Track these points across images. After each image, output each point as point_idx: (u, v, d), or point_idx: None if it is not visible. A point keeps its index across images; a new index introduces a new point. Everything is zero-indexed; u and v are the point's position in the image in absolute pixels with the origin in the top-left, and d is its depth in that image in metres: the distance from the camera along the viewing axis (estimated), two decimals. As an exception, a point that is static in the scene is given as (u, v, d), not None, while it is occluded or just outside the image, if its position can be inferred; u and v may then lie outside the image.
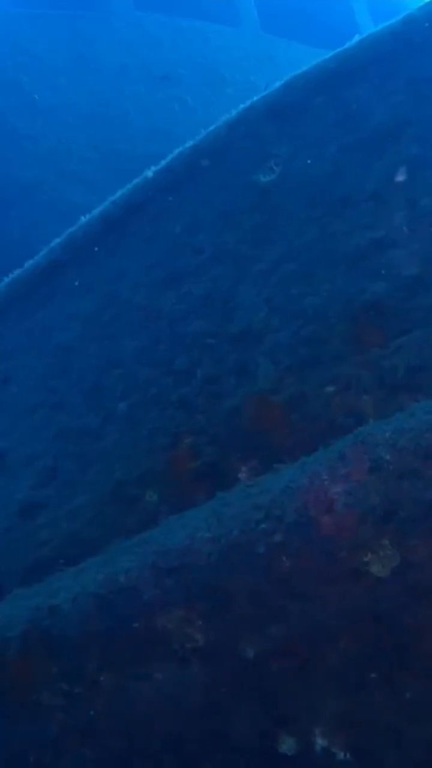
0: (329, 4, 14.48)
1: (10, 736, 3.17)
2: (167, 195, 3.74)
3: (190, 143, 3.88)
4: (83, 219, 4.03)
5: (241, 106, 3.86)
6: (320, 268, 3.22)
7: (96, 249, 3.83)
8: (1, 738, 3.18)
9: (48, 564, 3.28)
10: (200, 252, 3.53)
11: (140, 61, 11.10)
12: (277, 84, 3.81)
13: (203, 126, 10.13)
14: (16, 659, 3.05)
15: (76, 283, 3.84)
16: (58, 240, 4.07)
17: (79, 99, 10.43)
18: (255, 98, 3.82)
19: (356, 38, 3.69)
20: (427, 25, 3.33)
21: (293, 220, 3.44)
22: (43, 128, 9.99)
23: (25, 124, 9.95)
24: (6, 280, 4.19)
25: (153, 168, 3.96)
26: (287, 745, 2.94)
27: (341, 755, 2.83)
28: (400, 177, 3.22)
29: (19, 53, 10.34)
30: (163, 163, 3.92)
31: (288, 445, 3.00)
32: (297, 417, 2.99)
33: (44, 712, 3.11)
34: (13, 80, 10.16)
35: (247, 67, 11.99)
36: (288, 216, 3.46)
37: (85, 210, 9.00)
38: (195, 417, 3.16)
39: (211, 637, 2.86)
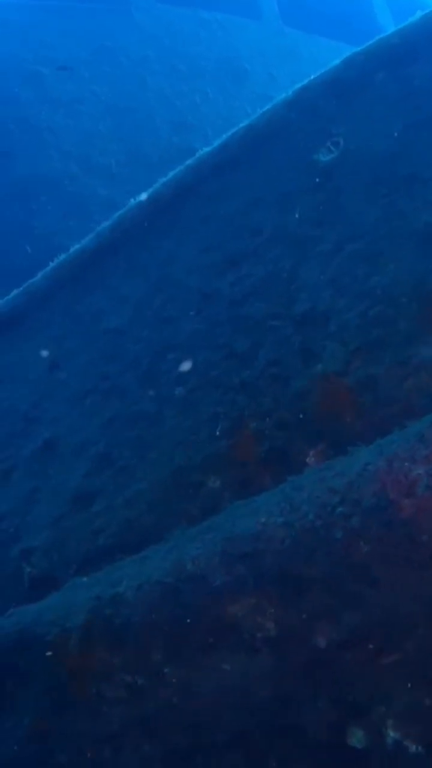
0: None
1: (67, 730, 3.10)
2: (222, 175, 3.67)
3: (245, 122, 3.81)
4: (132, 201, 3.96)
5: (298, 84, 3.79)
6: (387, 247, 3.15)
7: (147, 231, 3.76)
8: (58, 732, 3.11)
9: (105, 553, 3.21)
10: (259, 233, 3.46)
11: (162, 54, 11.05)
12: (335, 62, 3.74)
13: (225, 119, 10.07)
14: (77, 650, 2.98)
15: (126, 267, 3.77)
16: (105, 223, 4.01)
17: (101, 91, 10.38)
18: (312, 76, 3.75)
19: (418, 14, 3.62)
20: None
21: (356, 200, 3.37)
22: (65, 121, 9.93)
23: (47, 116, 9.90)
24: (51, 264, 4.13)
25: (206, 148, 3.90)
26: (357, 738, 2.87)
27: (413, 749, 2.75)
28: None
29: (39, 45, 10.28)
30: (217, 143, 3.85)
31: (359, 428, 2.93)
32: (368, 399, 2.92)
33: (105, 706, 3.04)
34: (33, 72, 10.10)
35: (269, 61, 11.95)
36: (350, 195, 3.39)
37: (109, 203, 8.97)
38: (259, 401, 3.09)
39: (283, 626, 2.79)
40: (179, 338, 3.44)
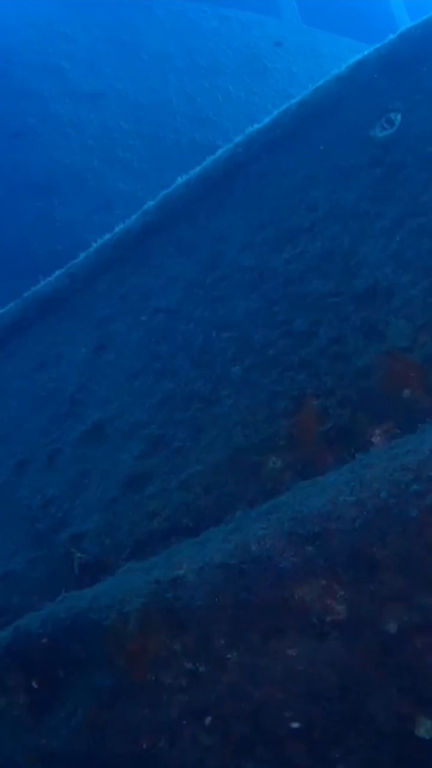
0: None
1: (123, 718, 3.00)
2: (274, 152, 3.59)
3: (297, 98, 3.72)
4: (180, 180, 3.88)
5: (352, 59, 3.71)
6: (453, 221, 3.06)
7: (196, 209, 3.68)
8: (113, 721, 3.01)
9: (160, 536, 3.11)
10: (315, 209, 3.38)
11: (184, 50, 11.01)
12: (391, 37, 3.65)
13: (246, 115, 10.03)
14: (135, 635, 2.88)
15: (174, 246, 3.68)
16: (151, 202, 3.93)
17: (123, 86, 10.33)
18: (367, 51, 3.67)
19: None
20: None
21: (416, 175, 3.28)
22: (87, 115, 9.89)
23: (68, 111, 9.86)
24: (94, 245, 4.04)
25: (255, 126, 3.81)
26: (426, 728, 2.76)
27: None
28: None
29: (60, 39, 10.25)
30: (267, 119, 3.76)
31: (427, 405, 2.83)
32: (436, 376, 2.82)
33: (164, 693, 2.94)
34: (55, 66, 10.07)
35: (290, 58, 11.90)
36: (410, 171, 3.30)
37: (130, 198, 8.90)
38: (321, 379, 3.00)
39: (353, 610, 2.68)
40: (234, 317, 3.35)
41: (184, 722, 2.99)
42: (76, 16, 10.52)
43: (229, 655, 2.87)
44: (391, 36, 3.72)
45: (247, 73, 11.36)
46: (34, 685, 3.22)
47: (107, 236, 4.03)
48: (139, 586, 2.94)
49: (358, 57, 3.72)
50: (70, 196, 9.39)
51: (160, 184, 9.35)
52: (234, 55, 11.37)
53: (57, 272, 4.17)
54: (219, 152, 3.85)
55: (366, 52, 3.72)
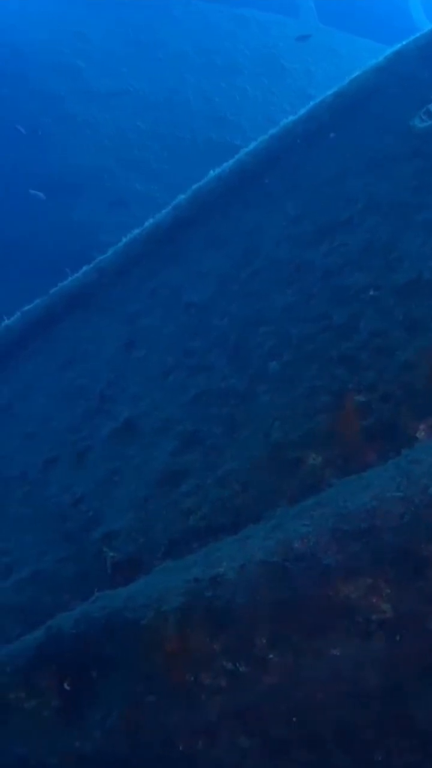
0: (385, -2, 14.42)
1: (160, 720, 2.95)
2: (309, 144, 3.56)
3: (332, 90, 3.69)
4: (211, 173, 3.85)
5: (389, 50, 3.68)
6: None
7: (228, 203, 3.65)
8: (150, 722, 2.96)
9: (196, 534, 3.07)
10: (353, 202, 3.34)
11: (201, 50, 11.02)
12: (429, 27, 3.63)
13: (264, 115, 10.03)
14: (174, 635, 2.83)
15: (206, 240, 3.65)
16: (182, 196, 3.90)
17: (139, 86, 10.34)
18: (405, 41, 3.64)
19: None
20: None
21: (459, 166, 3.24)
22: (103, 115, 9.89)
23: (84, 111, 9.87)
24: (123, 240, 4.01)
25: (291, 117, 3.78)
26: (471, 729, 2.70)
27: None
28: None
29: (76, 38, 10.27)
30: (302, 112, 3.74)
31: (474, 400, 2.78)
32: None
33: (202, 694, 2.89)
34: (70, 66, 10.08)
35: (307, 58, 11.90)
36: (452, 162, 3.27)
37: (147, 198, 8.89)
38: (362, 374, 2.95)
39: (399, 609, 2.63)
40: (270, 311, 3.31)
41: (223, 724, 2.94)
42: (92, 15, 10.54)
43: (270, 655, 2.82)
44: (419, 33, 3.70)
45: (264, 72, 11.37)
46: (66, 686, 3.17)
47: (136, 231, 4.00)
48: (178, 585, 2.89)
49: (396, 47, 3.69)
50: (85, 196, 9.38)
51: (176, 184, 9.36)
52: (251, 55, 11.38)
53: (84, 267, 4.15)
54: (252, 145, 3.83)
55: (404, 43, 3.69)
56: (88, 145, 9.63)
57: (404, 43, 3.69)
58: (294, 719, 2.87)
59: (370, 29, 13.37)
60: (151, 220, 3.98)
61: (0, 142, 9.42)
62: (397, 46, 3.69)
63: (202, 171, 8.93)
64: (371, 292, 3.16)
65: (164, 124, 10.18)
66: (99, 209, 9.38)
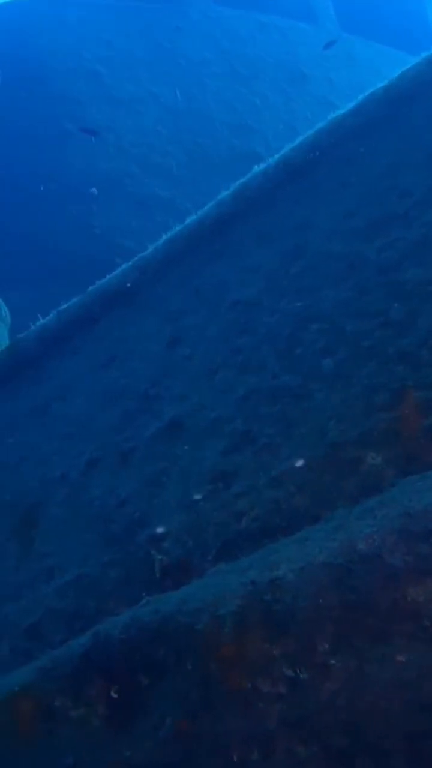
0: (404, 5, 14.43)
1: (215, 729, 2.86)
2: (360, 137, 3.50)
3: (381, 84, 3.63)
4: (257, 168, 3.79)
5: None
6: None
7: (275, 198, 3.58)
8: (204, 731, 2.87)
9: (249, 536, 2.98)
10: (408, 195, 3.27)
11: (221, 56, 11.01)
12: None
13: (285, 123, 10.00)
14: (231, 639, 2.75)
15: (253, 236, 3.58)
16: (226, 192, 3.84)
17: (161, 92, 10.33)
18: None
19: None
20: None
21: None
22: (125, 120, 9.88)
23: (105, 116, 9.86)
24: (164, 237, 3.95)
25: (339, 112, 3.73)
26: None
27: None
28: None
29: (97, 44, 10.27)
30: (351, 105, 3.68)
31: None
32: None
33: (260, 702, 2.80)
34: (92, 71, 10.08)
35: (327, 65, 11.90)
36: None
37: (169, 204, 8.87)
38: (422, 370, 2.88)
39: (472, 613, 2.54)
40: (323, 308, 3.24)
41: (281, 733, 2.85)
42: (113, 21, 10.54)
43: (332, 661, 2.74)
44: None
45: (285, 79, 11.36)
46: (113, 694, 3.09)
47: (177, 228, 3.94)
48: (234, 588, 2.81)
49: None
50: (107, 201, 9.36)
51: (199, 190, 9.34)
52: (272, 62, 11.38)
53: (124, 265, 4.09)
54: (299, 139, 3.77)
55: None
56: (110, 150, 9.61)
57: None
58: (356, 728, 2.78)
59: (390, 37, 13.39)
60: (193, 217, 3.92)
61: (22, 146, 9.41)
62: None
63: (224, 177, 8.90)
64: (429, 287, 3.09)
65: (186, 130, 10.17)
66: (121, 215, 9.36)
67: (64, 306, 4.26)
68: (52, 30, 9.91)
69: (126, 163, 9.68)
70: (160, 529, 3.26)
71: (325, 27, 12.39)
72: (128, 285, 3.89)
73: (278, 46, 11.62)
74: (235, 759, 2.90)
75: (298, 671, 2.76)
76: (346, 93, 12.14)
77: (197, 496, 3.22)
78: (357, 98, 3.72)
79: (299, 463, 3.07)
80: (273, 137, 10.60)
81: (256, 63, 11.24)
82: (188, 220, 3.95)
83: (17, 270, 7.96)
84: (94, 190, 8.44)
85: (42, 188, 8.88)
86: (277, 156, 3.78)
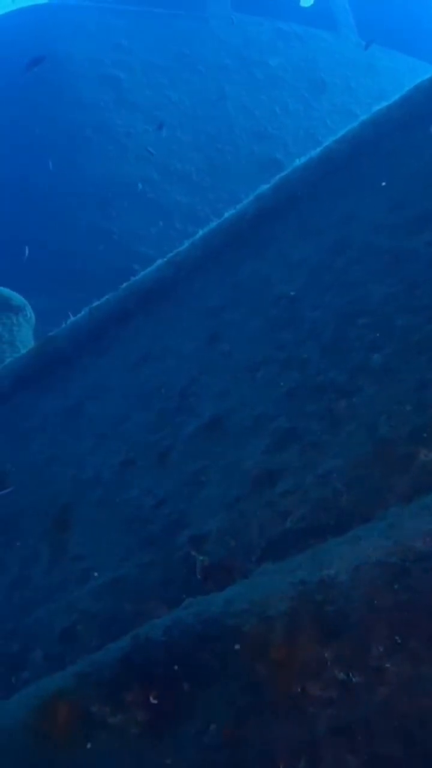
0: (423, 15, 14.45)
1: (262, 735, 2.77)
2: (407, 130, 3.44)
3: (430, 75, 3.58)
4: (298, 162, 3.73)
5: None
6: None
7: (318, 192, 3.52)
8: (251, 738, 2.78)
9: (296, 536, 2.90)
10: (458, 187, 3.21)
11: (241, 63, 11.01)
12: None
13: (305, 130, 9.96)
14: (281, 642, 2.66)
15: (294, 230, 3.52)
16: (266, 186, 3.78)
17: (180, 98, 10.32)
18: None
19: None
20: None
21: None
22: (144, 126, 9.87)
23: (125, 121, 9.85)
24: (200, 232, 3.89)
25: (384, 103, 3.67)
26: None
27: None
28: None
29: (116, 49, 10.27)
30: (397, 97, 3.62)
31: None
32: None
33: (311, 707, 2.71)
34: (111, 76, 10.07)
35: (347, 73, 11.89)
36: None
37: (189, 211, 8.82)
38: None
39: None
40: (370, 302, 3.17)
41: (330, 740, 2.76)
42: (133, 27, 10.55)
43: (387, 664, 2.65)
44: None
45: (305, 87, 11.35)
46: (152, 700, 3.00)
47: (215, 223, 3.88)
48: (283, 588, 2.73)
49: None
50: (126, 207, 9.33)
51: (219, 197, 9.30)
52: (292, 69, 11.37)
53: (158, 262, 4.03)
54: (342, 132, 3.71)
55: None
56: (129, 156, 9.59)
57: None
58: (409, 735, 2.70)
59: (409, 45, 13.40)
60: (231, 212, 3.86)
61: (41, 152, 9.39)
62: None
63: (246, 183, 8.89)
64: None
65: (205, 136, 10.15)
66: (141, 220, 9.32)
67: (97, 303, 4.20)
68: (72, 36, 9.92)
69: (145, 169, 9.65)
70: (200, 530, 3.19)
71: (345, 35, 12.39)
72: (164, 281, 3.82)
73: (298, 54, 11.62)
74: (281, 767, 2.81)
75: (350, 675, 2.68)
76: (365, 101, 12.20)
77: (239, 496, 3.15)
78: (405, 90, 3.67)
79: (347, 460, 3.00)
80: (293, 144, 10.58)
81: (275, 70, 11.24)
82: (226, 215, 3.89)
83: (36, 276, 7.91)
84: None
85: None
86: (319, 149, 3.72)
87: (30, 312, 6.04)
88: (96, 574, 3.35)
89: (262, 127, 10.67)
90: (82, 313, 4.22)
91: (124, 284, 4.13)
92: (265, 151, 10.45)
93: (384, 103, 3.75)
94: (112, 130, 9.72)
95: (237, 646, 2.78)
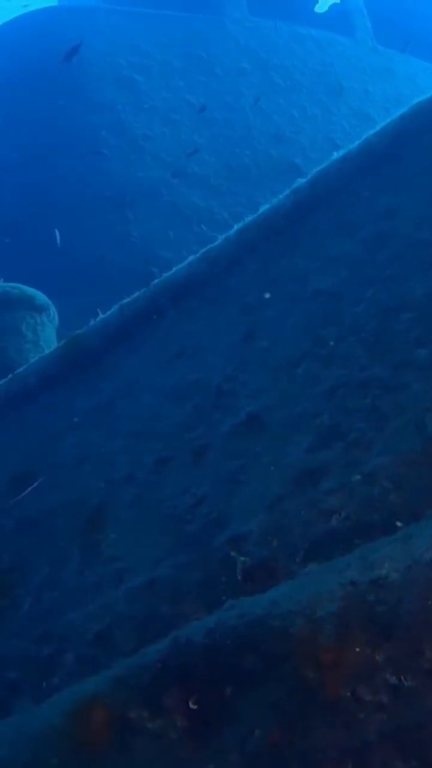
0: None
1: (308, 741, 2.69)
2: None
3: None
4: (335, 155, 3.68)
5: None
6: None
7: (357, 186, 3.47)
8: (297, 744, 2.70)
9: (341, 536, 2.84)
10: None
11: (258, 66, 11.00)
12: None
13: (323, 133, 9.92)
14: (331, 644, 2.59)
15: (332, 224, 3.46)
16: (302, 180, 3.73)
17: (197, 101, 10.31)
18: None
19: None
20: None
21: None
22: (161, 129, 9.85)
23: (142, 124, 9.83)
24: (235, 227, 3.84)
25: (424, 96, 3.62)
26: None
27: None
28: None
29: (133, 52, 10.27)
30: (438, 88, 3.57)
31: None
32: None
33: (361, 712, 2.63)
34: (128, 79, 10.07)
35: (365, 78, 11.89)
36: None
37: (207, 214, 8.77)
38: None
39: None
40: (414, 296, 3.11)
41: (380, 746, 2.69)
42: (149, 30, 10.55)
43: (443, 668, 2.58)
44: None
45: (322, 91, 11.33)
46: (192, 705, 2.93)
47: (249, 218, 3.83)
48: (332, 589, 2.66)
49: None
50: (144, 210, 9.30)
51: (237, 200, 9.25)
52: (309, 73, 11.36)
53: (190, 258, 3.97)
54: (380, 126, 3.66)
55: None
56: (146, 159, 9.57)
57: None
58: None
59: (425, 50, 13.39)
60: (266, 206, 3.81)
61: (59, 156, 9.38)
62: None
63: (263, 187, 8.83)
64: None
65: (223, 139, 10.13)
66: (159, 224, 9.29)
67: (127, 300, 4.15)
68: (89, 38, 9.90)
69: (163, 172, 9.63)
70: (240, 530, 3.12)
71: (361, 40, 12.39)
72: (197, 277, 3.77)
73: (315, 58, 11.61)
74: (326, 774, 2.73)
75: (402, 678, 2.61)
76: (383, 105, 12.20)
77: (281, 495, 3.08)
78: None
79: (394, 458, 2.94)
80: (311, 147, 10.56)
81: (293, 74, 11.23)
82: (261, 209, 3.84)
83: (54, 280, 7.87)
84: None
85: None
86: (357, 142, 3.67)
87: (53, 312, 5.99)
88: (130, 575, 3.28)
89: (279, 130, 10.64)
90: (112, 310, 4.17)
91: (155, 280, 4.08)
92: (283, 155, 10.42)
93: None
94: (129, 132, 9.70)
95: (284, 649, 2.71)
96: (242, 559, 3.07)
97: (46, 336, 5.75)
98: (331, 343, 3.26)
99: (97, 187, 9.31)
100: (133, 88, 10.06)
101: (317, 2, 14.24)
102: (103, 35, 10.19)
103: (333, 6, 13.87)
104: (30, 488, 3.76)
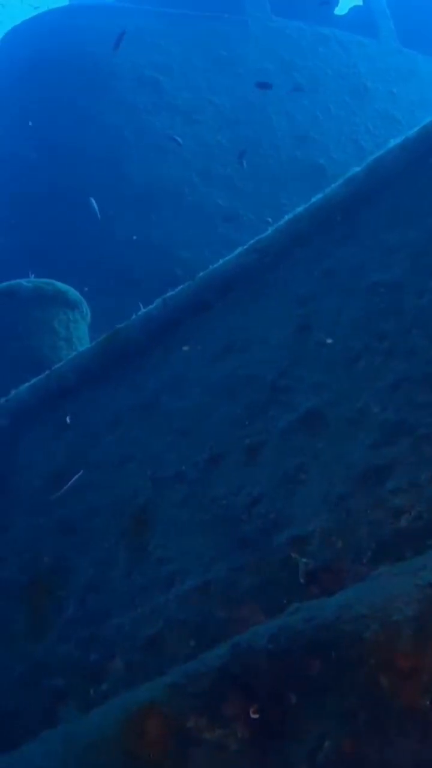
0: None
1: (383, 753, 2.57)
2: None
3: None
4: (392, 142, 3.57)
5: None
6: None
7: (415, 175, 3.36)
8: (371, 755, 2.58)
9: (411, 536, 2.72)
10: None
11: (281, 67, 10.93)
12: None
13: (347, 135, 9.81)
14: (409, 649, 2.47)
15: (389, 214, 3.36)
16: (357, 169, 3.62)
17: (220, 101, 10.24)
18: None
19: None
20: None
21: None
22: (184, 129, 9.78)
23: (165, 124, 9.76)
24: (286, 218, 3.73)
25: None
26: None
27: None
28: None
29: (155, 51, 10.21)
30: None
31: None
32: None
33: (438, 724, 2.50)
34: (150, 79, 10.00)
35: (389, 79, 11.81)
36: None
37: (231, 215, 8.63)
38: None
39: None
40: None
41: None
42: (172, 30, 10.49)
43: None
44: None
45: (347, 92, 11.25)
46: (253, 714, 2.81)
47: (300, 208, 3.72)
48: (408, 591, 2.54)
49: None
50: (167, 211, 9.22)
51: (261, 201, 9.15)
52: (333, 74, 11.28)
53: (238, 249, 3.87)
54: (440, 111, 3.55)
55: None
56: (169, 159, 9.51)
57: None
58: None
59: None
60: (319, 196, 3.70)
61: (82, 156, 9.31)
62: None
63: (287, 188, 8.70)
64: None
65: (246, 140, 10.06)
66: (181, 225, 9.21)
67: (171, 293, 4.04)
68: (109, 38, 9.83)
69: (186, 173, 9.56)
70: (301, 531, 3.00)
71: (385, 41, 12.32)
72: (246, 268, 3.67)
73: (339, 59, 11.54)
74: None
75: None
76: (408, 107, 12.13)
77: (345, 494, 2.96)
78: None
79: None
80: (335, 149, 10.47)
81: (317, 75, 11.16)
82: (313, 199, 3.73)
83: (77, 281, 7.77)
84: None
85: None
86: (417, 128, 3.56)
87: (86, 308, 5.90)
88: (182, 577, 3.17)
89: (303, 131, 10.56)
90: (155, 303, 4.07)
91: (201, 273, 3.98)
92: (307, 156, 10.34)
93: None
94: (152, 132, 9.63)
95: (357, 655, 2.58)
96: (304, 560, 2.95)
97: (79, 333, 5.65)
98: (393, 336, 3.15)
99: (120, 187, 9.24)
100: (156, 88, 10.00)
101: (337, 4, 14.18)
102: (128, 35, 10.09)
103: (354, 8, 13.81)
104: (69, 483, 3.66)
